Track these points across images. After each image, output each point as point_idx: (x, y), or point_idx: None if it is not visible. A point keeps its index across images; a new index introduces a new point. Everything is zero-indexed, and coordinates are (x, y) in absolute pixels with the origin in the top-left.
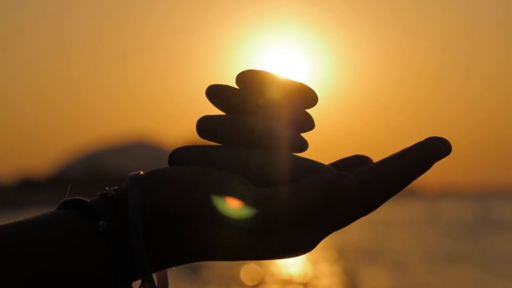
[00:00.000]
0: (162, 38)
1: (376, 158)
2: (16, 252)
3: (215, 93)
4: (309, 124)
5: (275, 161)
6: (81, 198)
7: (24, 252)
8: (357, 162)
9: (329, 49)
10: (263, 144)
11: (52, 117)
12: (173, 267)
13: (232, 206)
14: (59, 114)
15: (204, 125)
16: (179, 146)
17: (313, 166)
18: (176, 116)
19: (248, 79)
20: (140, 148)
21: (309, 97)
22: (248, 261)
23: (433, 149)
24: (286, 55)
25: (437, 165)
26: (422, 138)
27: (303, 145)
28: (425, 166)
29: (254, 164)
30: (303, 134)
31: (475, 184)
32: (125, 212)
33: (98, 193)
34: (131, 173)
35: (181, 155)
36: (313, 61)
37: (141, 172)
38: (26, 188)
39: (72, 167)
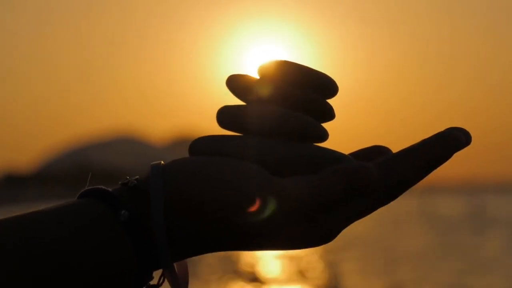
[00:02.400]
0: (148, 33)
1: (354, 146)
2: (37, 247)
3: (235, 83)
4: (329, 114)
5: (295, 151)
6: (103, 187)
7: (45, 245)
8: (376, 152)
9: (313, 44)
10: (283, 134)
11: (37, 112)
12: (194, 257)
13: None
14: (44, 109)
15: (224, 115)
16: (200, 136)
17: (334, 156)
18: (161, 111)
19: (269, 69)
20: (125, 143)
21: (329, 87)
22: (263, 252)
23: (453, 140)
24: (272, 51)
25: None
26: (407, 131)
27: (323, 135)
28: (445, 156)
29: (274, 154)
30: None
31: (464, 177)
32: (146, 201)
33: (120, 182)
34: (152, 163)
35: (201, 145)
36: (298, 56)
37: (162, 162)
38: (11, 184)
39: (58, 162)
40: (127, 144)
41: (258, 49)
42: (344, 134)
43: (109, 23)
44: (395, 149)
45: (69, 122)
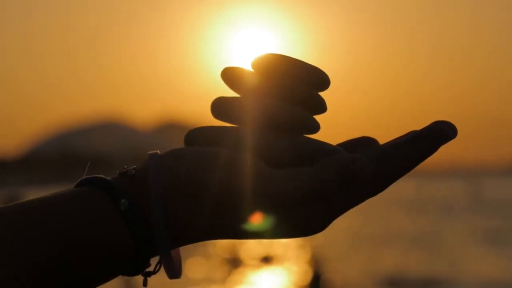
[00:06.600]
0: (132, 18)
1: (340, 135)
2: (35, 236)
3: (230, 75)
4: (321, 106)
5: (288, 143)
6: (102, 176)
7: (44, 235)
8: (364, 143)
9: (298, 28)
10: (276, 126)
11: (22, 98)
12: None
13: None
14: (29, 94)
15: (219, 106)
16: (196, 127)
17: (327, 148)
18: (146, 96)
19: (263, 62)
20: (110, 128)
21: (321, 80)
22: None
23: (440, 133)
24: (256, 34)
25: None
26: (393, 118)
27: (316, 127)
28: (433, 149)
29: (268, 146)
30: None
31: (451, 161)
32: (145, 190)
33: (118, 172)
34: (150, 152)
35: (197, 136)
36: (283, 41)
37: (158, 151)
38: None
39: (43, 148)
40: (112, 129)
41: (242, 33)
42: (331, 122)
43: (94, 9)
44: (380, 135)
45: (54, 108)
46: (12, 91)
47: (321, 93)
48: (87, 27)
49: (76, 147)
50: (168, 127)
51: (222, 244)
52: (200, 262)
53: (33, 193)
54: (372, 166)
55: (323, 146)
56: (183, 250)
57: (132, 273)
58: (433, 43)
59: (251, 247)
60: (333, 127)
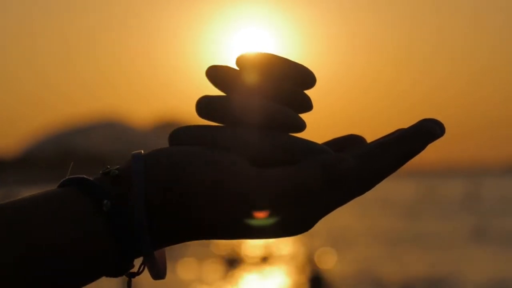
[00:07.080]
0: (130, 17)
1: (335, 133)
2: (16, 237)
3: (215, 73)
4: (307, 105)
5: (274, 142)
6: (84, 176)
7: (26, 235)
8: (351, 141)
9: (298, 28)
10: (262, 125)
11: (21, 97)
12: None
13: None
14: (27, 94)
15: (204, 105)
16: (179, 126)
17: (313, 147)
18: (144, 95)
19: (248, 61)
20: (108, 127)
21: (307, 78)
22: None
23: (428, 131)
24: (254, 33)
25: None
26: (392, 117)
27: (301, 126)
28: (421, 147)
29: (254, 144)
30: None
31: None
32: (127, 190)
33: (101, 172)
34: (134, 152)
35: (182, 135)
36: (282, 41)
37: (142, 151)
38: None
39: (42, 146)
40: (110, 128)
41: (241, 32)
42: (323, 119)
43: (93, 9)
44: (380, 134)
45: (53, 107)
46: (11, 90)
47: (312, 91)
48: (87, 27)
49: (75, 145)
50: (167, 127)
51: (220, 244)
52: (198, 262)
53: (32, 192)
54: (358, 165)
55: (309, 144)
56: (181, 250)
57: (116, 274)
58: (433, 43)
59: (249, 247)
60: (331, 126)
